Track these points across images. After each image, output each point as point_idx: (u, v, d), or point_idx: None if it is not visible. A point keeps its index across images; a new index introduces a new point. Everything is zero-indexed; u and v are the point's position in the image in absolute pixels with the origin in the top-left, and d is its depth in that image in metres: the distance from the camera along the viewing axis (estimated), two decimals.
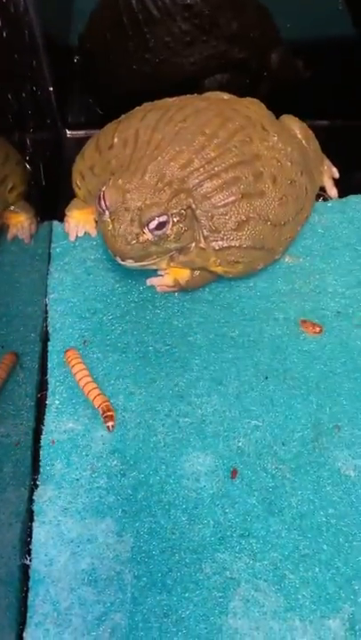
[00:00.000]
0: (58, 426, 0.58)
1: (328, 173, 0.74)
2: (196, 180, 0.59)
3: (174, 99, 0.68)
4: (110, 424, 0.57)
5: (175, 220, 0.57)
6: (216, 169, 0.60)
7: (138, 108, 0.68)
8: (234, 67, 0.74)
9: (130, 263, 0.58)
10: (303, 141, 0.70)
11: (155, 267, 0.64)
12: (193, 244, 0.60)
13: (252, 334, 0.63)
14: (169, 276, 0.65)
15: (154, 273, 0.66)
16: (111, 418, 0.57)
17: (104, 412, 0.57)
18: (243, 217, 0.60)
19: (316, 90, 0.77)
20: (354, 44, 0.75)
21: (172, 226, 0.57)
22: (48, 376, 0.61)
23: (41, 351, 0.63)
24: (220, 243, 0.60)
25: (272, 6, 0.73)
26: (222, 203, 0.59)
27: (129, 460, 0.56)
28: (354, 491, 0.54)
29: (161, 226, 0.56)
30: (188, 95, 0.69)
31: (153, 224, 0.56)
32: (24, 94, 0.61)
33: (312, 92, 0.77)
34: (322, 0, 0.71)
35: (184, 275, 0.64)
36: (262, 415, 0.58)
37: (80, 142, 0.79)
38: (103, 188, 0.57)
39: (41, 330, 0.64)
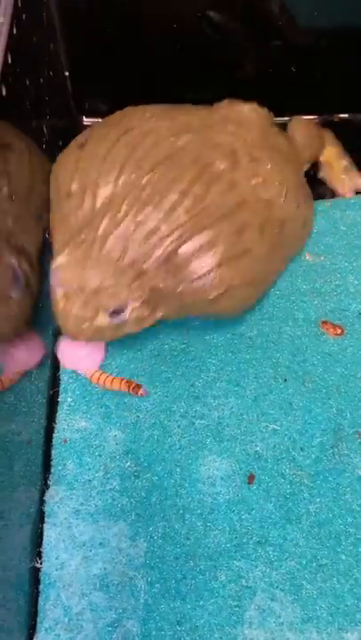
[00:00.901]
0: (70, 424, 0.57)
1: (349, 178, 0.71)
2: (164, 255, 0.50)
3: (151, 111, 0.58)
4: (141, 392, 0.56)
5: (136, 304, 0.50)
6: (187, 235, 0.51)
7: (102, 126, 0.59)
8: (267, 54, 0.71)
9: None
10: (301, 143, 0.66)
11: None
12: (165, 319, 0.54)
13: (271, 334, 0.61)
14: None
15: None
16: (139, 386, 0.56)
17: (130, 386, 0.56)
18: (223, 288, 0.52)
19: (339, 81, 0.75)
20: None
21: (132, 311, 0.50)
22: (60, 372, 0.60)
23: (53, 347, 0.61)
24: (200, 312, 0.54)
25: None
26: (195, 276, 0.51)
27: (143, 462, 0.54)
28: None
29: (118, 312, 0.49)
30: (167, 108, 0.60)
31: (110, 310, 0.49)
32: (41, 79, 0.59)
33: (337, 83, 0.74)
34: None
35: None
36: (281, 419, 0.56)
37: None
38: (55, 264, 0.49)
39: (54, 325, 0.62)
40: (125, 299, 0.49)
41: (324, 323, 0.62)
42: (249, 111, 0.61)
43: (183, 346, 0.60)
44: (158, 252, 0.50)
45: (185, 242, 0.51)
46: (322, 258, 0.66)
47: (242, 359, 0.59)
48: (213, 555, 0.51)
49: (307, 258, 0.66)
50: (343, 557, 0.50)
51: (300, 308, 0.63)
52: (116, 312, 0.49)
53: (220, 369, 0.59)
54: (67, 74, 0.73)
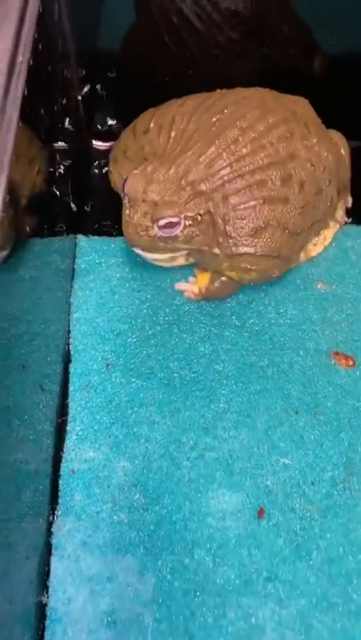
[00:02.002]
0: (78, 454, 0.56)
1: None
2: (220, 182, 0.57)
3: (220, 90, 0.65)
4: None
5: (188, 223, 0.56)
6: (243, 169, 0.57)
7: (181, 98, 0.66)
8: (283, 75, 0.71)
9: (139, 251, 0.59)
10: (343, 153, 0.67)
11: (171, 263, 0.62)
12: (206, 248, 0.59)
13: (282, 365, 0.61)
14: (196, 284, 0.64)
15: (182, 273, 0.65)
16: None
17: None
18: (261, 223, 0.57)
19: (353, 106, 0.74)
20: None
21: (184, 229, 0.56)
22: (69, 400, 0.59)
23: (62, 373, 0.61)
24: (234, 249, 0.58)
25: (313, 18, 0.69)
26: (243, 206, 0.57)
27: (151, 494, 0.54)
28: None
29: (171, 225, 0.55)
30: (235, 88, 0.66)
31: (162, 222, 0.55)
32: (55, 107, 0.59)
33: (351, 108, 0.74)
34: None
35: (204, 282, 0.63)
36: (292, 452, 0.56)
37: (107, 153, 0.77)
38: (128, 175, 0.56)
39: (63, 350, 0.62)
40: (179, 213, 0.54)
41: (336, 354, 0.61)
42: (298, 99, 0.66)
43: (193, 375, 0.60)
44: (217, 177, 0.56)
45: (240, 176, 0.56)
46: (333, 287, 0.66)
47: (253, 390, 0.59)
48: (222, 591, 0.50)
49: (318, 287, 0.66)
50: (355, 597, 0.50)
51: (312, 337, 0.62)
52: (168, 226, 0.55)
53: (231, 400, 0.58)
54: (79, 98, 0.73)
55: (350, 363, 0.61)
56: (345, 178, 0.68)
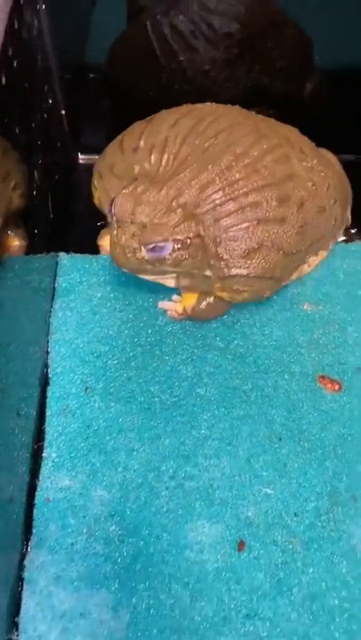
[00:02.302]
0: (54, 482, 0.54)
1: None
2: (212, 205, 0.55)
3: (212, 105, 0.64)
4: None
5: (177, 246, 0.54)
6: (236, 192, 0.56)
7: (173, 109, 0.64)
8: (273, 98, 0.70)
9: (127, 272, 0.57)
10: (341, 172, 0.66)
11: (160, 282, 0.60)
12: (196, 271, 0.57)
13: (266, 389, 0.59)
14: (180, 304, 0.62)
15: (165, 292, 0.63)
16: None
17: None
18: (255, 244, 0.56)
19: (346, 122, 0.73)
20: None
21: (172, 252, 0.54)
22: (46, 425, 0.57)
23: (40, 397, 0.59)
24: (226, 271, 0.56)
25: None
26: (235, 228, 0.55)
27: (128, 525, 0.52)
28: None
29: (159, 249, 0.53)
30: (228, 105, 0.65)
31: (150, 245, 0.53)
32: (34, 124, 0.57)
33: (342, 124, 0.72)
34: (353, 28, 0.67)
35: (190, 302, 0.61)
36: (274, 482, 0.54)
37: (92, 166, 0.75)
38: (117, 195, 0.55)
39: (41, 373, 0.60)
40: (168, 236, 0.53)
41: (322, 377, 0.60)
42: (290, 129, 0.65)
43: (175, 399, 0.58)
44: (209, 201, 0.55)
45: (233, 199, 0.55)
46: (320, 307, 0.64)
47: (235, 415, 0.57)
48: (200, 629, 0.48)
49: (305, 307, 0.64)
50: (337, 635, 0.48)
51: (297, 360, 0.61)
52: (156, 249, 0.53)
53: (213, 425, 0.57)
54: (63, 112, 0.71)
55: (336, 387, 0.59)
56: (348, 196, 0.67)
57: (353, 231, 0.72)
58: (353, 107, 0.74)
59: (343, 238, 0.69)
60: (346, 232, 0.69)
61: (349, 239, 0.70)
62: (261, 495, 0.53)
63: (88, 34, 0.71)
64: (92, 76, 0.73)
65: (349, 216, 0.69)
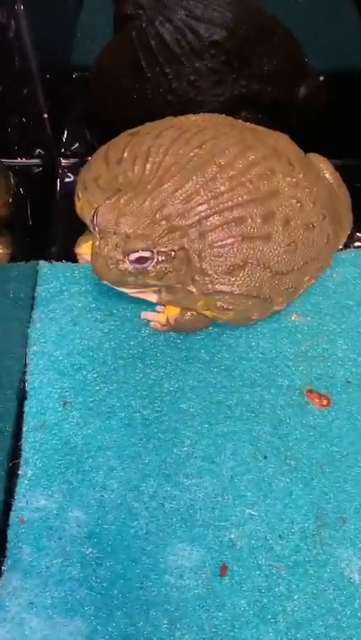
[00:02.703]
0: (29, 501, 0.52)
1: None
2: (197, 218, 0.54)
3: (197, 117, 0.63)
4: None
5: (160, 258, 0.52)
6: (221, 206, 0.54)
7: (157, 122, 0.63)
8: (262, 103, 0.68)
9: (108, 284, 0.55)
10: (333, 183, 0.64)
11: (142, 297, 0.58)
12: (179, 286, 0.55)
13: (252, 403, 0.57)
14: (163, 314, 0.60)
15: (148, 302, 0.60)
16: None
17: None
18: (239, 261, 0.54)
19: (341, 127, 0.71)
20: None
21: (156, 264, 0.52)
22: (22, 441, 0.55)
23: (17, 411, 0.57)
24: (210, 286, 0.54)
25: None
26: (220, 243, 0.54)
27: (106, 548, 0.50)
28: (358, 598, 0.48)
29: (142, 260, 0.52)
30: (214, 115, 0.63)
31: (134, 256, 0.51)
32: (9, 129, 0.55)
33: (338, 128, 0.71)
34: (346, 32, 0.65)
35: (174, 313, 0.59)
36: (258, 502, 0.51)
37: (75, 170, 0.73)
38: (100, 205, 0.53)
39: (18, 387, 0.58)
40: (151, 247, 0.51)
41: (310, 392, 0.57)
42: (279, 136, 0.63)
43: (156, 414, 0.56)
44: (193, 213, 0.54)
45: (218, 212, 0.54)
46: (309, 319, 0.62)
47: (219, 432, 0.55)
48: None
49: (292, 318, 0.62)
50: None
51: (285, 373, 0.59)
52: (139, 260, 0.52)
53: (195, 442, 0.54)
54: (45, 116, 0.69)
55: (324, 402, 0.57)
56: (342, 207, 0.65)
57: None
58: (348, 111, 0.72)
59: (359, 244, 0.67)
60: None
61: None
62: (245, 517, 0.51)
63: (72, 34, 0.69)
64: (75, 77, 0.71)
65: (351, 221, 0.68)
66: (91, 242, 0.64)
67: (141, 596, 0.48)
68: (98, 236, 0.53)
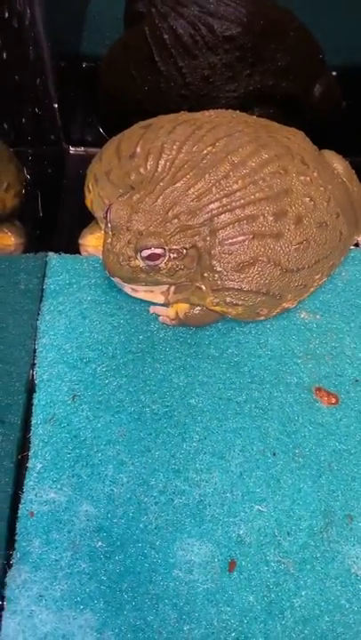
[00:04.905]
0: (38, 494, 0.52)
1: None
2: (208, 215, 0.54)
3: (211, 112, 0.62)
4: None
5: (172, 256, 0.53)
6: (233, 204, 0.55)
7: (170, 115, 0.63)
8: (277, 99, 0.68)
9: (118, 281, 0.56)
10: (346, 181, 0.64)
11: (149, 299, 0.59)
12: (189, 283, 0.56)
13: (261, 400, 0.57)
14: (172, 308, 0.60)
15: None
16: None
17: None
18: (249, 258, 0.55)
19: (356, 124, 0.71)
20: None
21: (168, 261, 0.53)
22: (31, 434, 0.55)
23: (25, 404, 0.57)
24: (219, 283, 0.55)
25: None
26: (230, 241, 0.54)
27: (115, 542, 0.50)
28: None
29: (155, 257, 0.52)
30: (228, 111, 0.63)
31: (146, 253, 0.52)
32: (24, 119, 0.55)
33: (352, 126, 0.70)
34: (358, 31, 0.65)
35: (183, 307, 0.58)
36: (267, 499, 0.52)
37: (84, 159, 0.72)
38: (113, 202, 0.54)
39: (27, 379, 0.58)
40: (164, 244, 0.52)
41: (318, 390, 0.58)
42: (293, 132, 0.63)
43: (166, 409, 0.56)
44: (205, 212, 0.54)
45: (230, 210, 0.54)
46: (318, 317, 0.62)
47: (228, 428, 0.55)
48: None
49: (302, 316, 0.62)
50: None
51: (293, 371, 0.59)
52: (151, 257, 0.52)
53: (205, 438, 0.55)
54: (56, 106, 0.68)
55: (333, 400, 0.57)
56: (356, 205, 0.64)
57: None
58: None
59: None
60: None
61: None
62: (254, 513, 0.51)
63: (83, 24, 0.68)
64: (85, 67, 0.71)
65: None
66: (95, 234, 0.64)
67: (150, 590, 0.48)
68: (110, 232, 0.53)
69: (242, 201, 0.55)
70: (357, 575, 0.49)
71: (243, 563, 0.49)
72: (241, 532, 0.50)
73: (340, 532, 0.51)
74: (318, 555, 0.50)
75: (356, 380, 0.58)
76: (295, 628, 0.47)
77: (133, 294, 0.58)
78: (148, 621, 0.47)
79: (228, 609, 0.48)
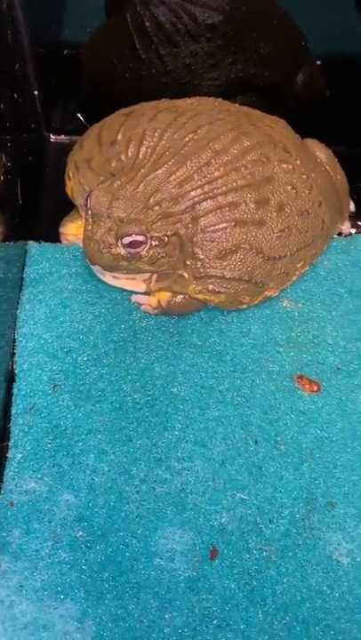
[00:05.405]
0: (18, 484, 0.51)
1: None
2: (190, 203, 0.54)
3: (193, 100, 0.62)
4: None
5: (154, 243, 0.53)
6: (215, 191, 0.54)
7: (151, 103, 0.62)
8: (259, 88, 0.67)
9: (98, 270, 0.56)
10: (329, 169, 0.64)
11: (130, 288, 0.58)
12: (171, 271, 0.55)
13: (243, 389, 0.57)
14: (154, 297, 0.59)
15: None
16: None
17: None
18: (231, 246, 0.54)
19: (339, 113, 0.71)
20: None
21: (149, 248, 0.53)
22: (11, 424, 0.54)
23: (5, 394, 0.56)
24: (201, 270, 0.54)
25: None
26: (212, 228, 0.54)
27: (96, 531, 0.50)
28: (346, 581, 0.49)
29: (136, 244, 0.52)
30: (210, 99, 0.63)
31: (127, 240, 0.51)
32: (2, 105, 0.54)
33: (335, 115, 0.70)
34: (341, 20, 0.64)
35: (166, 296, 0.58)
36: (249, 486, 0.52)
37: (64, 147, 0.71)
38: (93, 189, 0.53)
39: (6, 369, 0.57)
40: (145, 231, 0.51)
41: (300, 378, 0.58)
42: (275, 121, 0.63)
43: (148, 398, 0.56)
44: (187, 199, 0.53)
45: (212, 197, 0.54)
46: (300, 305, 0.62)
47: (210, 416, 0.55)
48: None
49: (284, 304, 0.62)
50: None
51: (275, 359, 0.59)
52: (133, 245, 0.51)
53: (187, 427, 0.54)
54: (36, 93, 0.67)
55: (315, 388, 0.57)
56: (340, 192, 0.64)
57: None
58: (347, 97, 0.72)
59: (353, 231, 0.68)
60: (353, 224, 0.68)
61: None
62: (236, 500, 0.51)
63: (64, 10, 0.67)
64: (66, 53, 0.70)
65: (351, 202, 0.68)
66: (76, 222, 0.64)
67: (132, 579, 0.48)
68: (90, 219, 0.53)
69: (224, 188, 0.55)
70: (339, 561, 0.49)
71: (225, 550, 0.49)
72: (223, 520, 0.50)
73: (321, 519, 0.51)
74: (300, 542, 0.50)
75: (338, 368, 0.58)
76: (277, 615, 0.47)
77: (114, 283, 0.58)
78: (129, 610, 0.47)
79: (210, 596, 0.48)
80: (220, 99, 0.63)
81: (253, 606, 0.47)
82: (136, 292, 0.60)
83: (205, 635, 0.46)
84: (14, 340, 0.58)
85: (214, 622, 0.47)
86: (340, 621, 0.47)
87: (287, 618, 0.47)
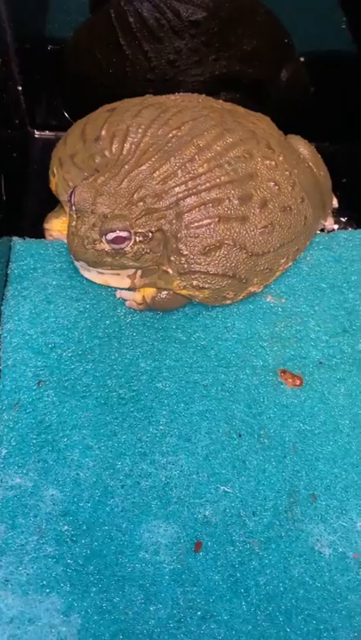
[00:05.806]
0: (4, 480, 0.52)
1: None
2: (174, 199, 0.54)
3: (177, 96, 0.62)
4: None
5: (138, 239, 0.53)
6: (199, 187, 0.55)
7: (135, 99, 0.62)
8: (243, 84, 0.68)
9: (82, 267, 0.56)
10: (312, 165, 0.64)
11: (115, 284, 0.59)
12: (155, 267, 0.56)
13: (227, 383, 0.57)
14: (139, 293, 0.59)
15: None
16: None
17: None
18: (215, 242, 0.55)
19: (322, 110, 0.71)
20: (356, 63, 0.70)
21: (133, 244, 0.53)
22: None
23: None
24: (186, 266, 0.55)
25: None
26: (196, 224, 0.54)
27: (82, 525, 0.50)
28: (327, 571, 0.50)
29: (120, 240, 0.52)
30: (194, 95, 0.63)
31: (111, 236, 0.52)
32: None
33: (319, 112, 0.71)
34: (325, 17, 0.65)
35: (150, 291, 0.58)
36: (233, 480, 0.52)
37: (49, 143, 0.71)
38: (77, 185, 0.53)
39: None
40: (129, 227, 0.52)
41: (283, 372, 0.58)
42: (259, 118, 0.64)
43: (133, 393, 0.56)
44: (171, 195, 0.54)
45: (196, 194, 0.54)
46: (283, 300, 0.63)
47: (194, 411, 0.55)
48: (154, 632, 0.47)
49: (268, 300, 0.62)
50: (293, 637, 0.47)
51: (259, 354, 0.59)
52: (117, 240, 0.52)
53: (171, 421, 0.55)
54: (20, 88, 0.67)
55: (297, 382, 0.58)
56: (323, 189, 0.65)
57: (344, 219, 0.72)
58: (330, 93, 0.73)
59: (336, 227, 0.68)
60: (336, 220, 0.69)
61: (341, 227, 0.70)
62: (219, 494, 0.52)
63: (48, 6, 0.67)
64: (50, 49, 0.70)
65: (334, 199, 0.69)
66: (60, 218, 0.64)
67: (117, 572, 0.48)
68: (75, 215, 0.53)
69: (207, 184, 0.55)
70: (321, 552, 0.50)
71: (209, 543, 0.50)
72: (207, 513, 0.51)
73: (304, 511, 0.52)
74: (283, 533, 0.51)
75: (320, 363, 0.59)
76: (260, 606, 0.48)
77: (99, 279, 0.58)
78: (114, 603, 0.47)
79: (194, 588, 0.48)
80: (204, 95, 0.64)
81: (237, 597, 0.48)
82: (121, 288, 0.60)
83: (190, 626, 0.47)
84: None
85: (198, 614, 0.47)
86: (321, 611, 0.48)
87: (270, 608, 0.48)
